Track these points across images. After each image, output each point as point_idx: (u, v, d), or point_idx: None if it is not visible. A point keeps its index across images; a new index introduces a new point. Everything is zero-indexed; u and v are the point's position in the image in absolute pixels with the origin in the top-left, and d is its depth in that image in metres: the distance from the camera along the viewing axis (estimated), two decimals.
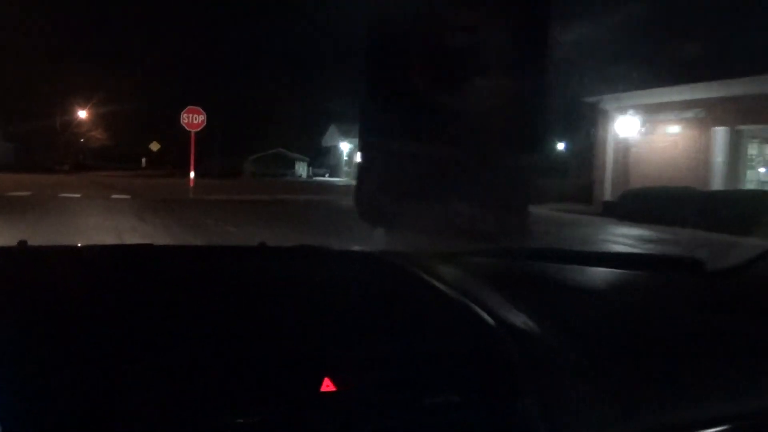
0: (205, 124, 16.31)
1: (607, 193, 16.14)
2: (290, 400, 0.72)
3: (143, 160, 56.76)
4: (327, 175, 45.12)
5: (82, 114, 52.50)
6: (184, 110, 16.31)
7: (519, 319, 0.96)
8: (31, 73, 43.74)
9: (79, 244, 1.27)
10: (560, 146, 21.65)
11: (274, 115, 45.55)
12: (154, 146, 34.02)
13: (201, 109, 16.34)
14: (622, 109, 15.88)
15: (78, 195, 16.03)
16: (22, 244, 1.15)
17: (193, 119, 16.27)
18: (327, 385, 0.73)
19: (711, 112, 14.23)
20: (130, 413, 0.66)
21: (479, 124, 1.47)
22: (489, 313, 0.94)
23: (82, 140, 54.56)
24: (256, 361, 0.75)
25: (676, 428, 0.87)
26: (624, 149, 16.00)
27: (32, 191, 16.56)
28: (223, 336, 0.81)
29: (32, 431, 0.64)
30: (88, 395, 0.66)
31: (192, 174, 16.60)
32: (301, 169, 47.89)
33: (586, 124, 17.86)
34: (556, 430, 0.80)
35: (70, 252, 1.19)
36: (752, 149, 14.63)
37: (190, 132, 15.99)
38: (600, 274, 1.40)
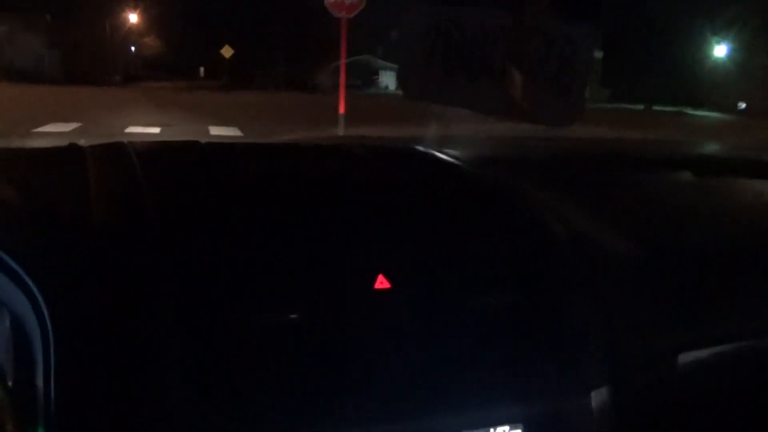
0: (364, 4, 9.47)
1: None
2: (343, 296, 0.71)
3: (201, 69, 51.74)
4: None
5: (133, 18, 46.79)
6: None
7: (578, 223, 0.92)
8: None
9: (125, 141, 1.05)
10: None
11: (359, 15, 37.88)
12: (227, 52, 27.22)
13: None
14: None
15: (156, 130, 9.75)
16: (72, 145, 1.08)
17: None
18: (381, 282, 0.72)
19: None
20: (169, 313, 0.65)
21: None
22: (545, 216, 0.91)
23: (133, 48, 49.41)
24: (307, 257, 0.74)
25: (740, 335, 0.88)
26: None
27: (81, 121, 10.34)
28: (273, 232, 0.78)
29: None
30: (147, 282, 0.66)
31: (342, 94, 9.73)
32: (388, 80, 40.25)
33: None
34: (612, 334, 0.80)
35: (117, 148, 1.03)
36: None
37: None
38: (676, 179, 1.29)
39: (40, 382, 0.61)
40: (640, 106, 28.32)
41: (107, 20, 43.24)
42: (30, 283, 0.64)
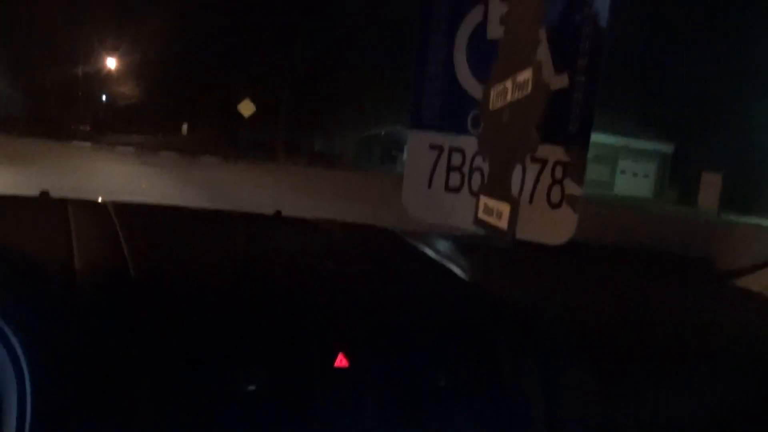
0: None
1: None
2: (303, 372, 0.73)
3: (184, 126, 45.97)
4: None
5: (111, 63, 41.18)
6: None
7: (525, 304, 0.96)
8: (50, 9, 31.68)
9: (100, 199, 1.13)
10: None
11: (389, 75, 32.29)
12: (246, 109, 21.26)
13: None
14: None
15: None
16: (44, 195, 1.13)
17: None
18: (340, 361, 0.74)
19: None
20: (138, 376, 0.67)
21: (511, 118, 1.35)
22: (495, 297, 0.96)
23: (104, 96, 43.76)
24: (269, 332, 0.76)
25: (670, 424, 0.91)
26: None
27: None
28: (237, 304, 0.80)
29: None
30: (97, 353, 0.67)
31: None
32: None
33: None
34: (553, 413, 0.82)
35: (90, 206, 1.11)
36: None
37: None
38: (611, 268, 1.44)
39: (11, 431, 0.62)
40: None
41: (80, 63, 37.72)
42: (9, 334, 0.65)
